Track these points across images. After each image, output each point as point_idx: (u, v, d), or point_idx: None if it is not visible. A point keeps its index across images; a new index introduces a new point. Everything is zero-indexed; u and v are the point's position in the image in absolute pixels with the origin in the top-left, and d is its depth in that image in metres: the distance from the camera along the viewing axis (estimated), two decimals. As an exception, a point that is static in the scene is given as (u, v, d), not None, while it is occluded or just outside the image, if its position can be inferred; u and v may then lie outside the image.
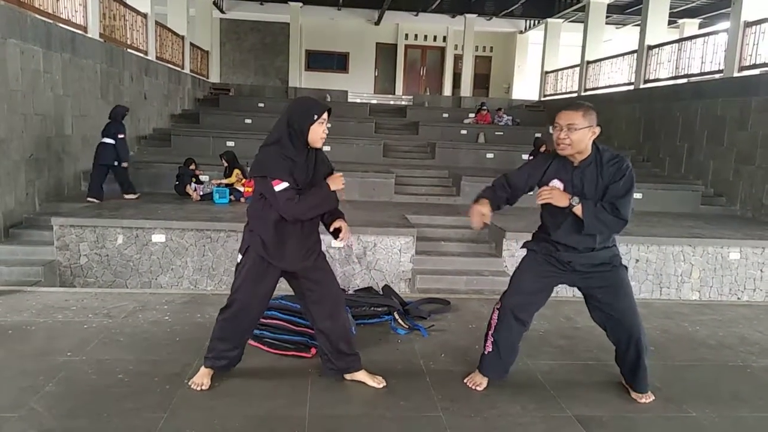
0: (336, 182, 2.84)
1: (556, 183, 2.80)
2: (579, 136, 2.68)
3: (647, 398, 3.01)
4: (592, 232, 2.75)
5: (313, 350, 3.35)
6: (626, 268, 2.95)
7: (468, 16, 20.17)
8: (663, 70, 12.66)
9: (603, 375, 3.32)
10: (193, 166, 9.04)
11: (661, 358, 3.63)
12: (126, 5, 11.28)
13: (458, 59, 21.80)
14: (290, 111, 2.80)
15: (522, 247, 3.13)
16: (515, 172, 3.00)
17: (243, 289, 2.85)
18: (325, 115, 2.78)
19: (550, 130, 2.86)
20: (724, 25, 13.08)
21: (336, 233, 2.89)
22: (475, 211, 2.88)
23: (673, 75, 12.30)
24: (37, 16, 7.67)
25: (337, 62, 22.85)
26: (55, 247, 6.70)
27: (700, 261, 7.37)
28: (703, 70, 11.40)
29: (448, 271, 7.08)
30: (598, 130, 2.72)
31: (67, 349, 3.33)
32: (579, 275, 2.91)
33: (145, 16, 12.12)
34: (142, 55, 11.85)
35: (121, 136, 8.01)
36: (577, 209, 2.71)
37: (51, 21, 8.07)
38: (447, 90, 22.04)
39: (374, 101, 19.48)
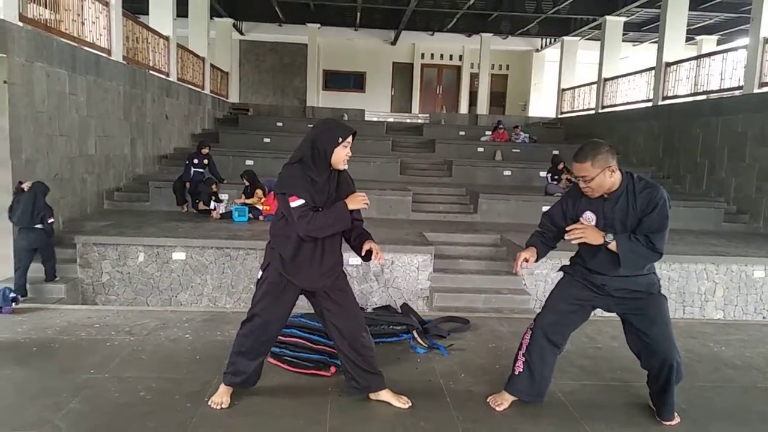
0: (355, 201, 2.85)
1: (589, 215, 2.81)
2: (597, 183, 2.70)
3: (672, 422, 2.95)
4: (628, 266, 2.73)
5: (333, 369, 3.34)
6: (665, 297, 2.89)
7: (484, 35, 20.29)
8: (682, 86, 12.59)
9: (626, 396, 3.26)
10: (206, 150, 9.18)
11: (687, 379, 3.53)
12: (149, 28, 11.56)
13: (474, 77, 21.91)
14: (316, 132, 2.84)
15: (559, 270, 3.13)
16: (554, 210, 2.99)
17: (262, 304, 2.87)
18: (349, 139, 2.81)
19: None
20: (743, 41, 12.99)
21: (368, 256, 2.87)
22: (521, 258, 2.89)
23: (692, 92, 12.22)
24: (62, 39, 7.90)
25: (354, 82, 23.10)
26: (78, 264, 6.81)
27: (724, 279, 7.25)
28: (722, 87, 11.32)
29: (466, 289, 7.05)
30: (615, 166, 2.69)
31: (90, 366, 3.37)
32: (614, 300, 2.88)
33: (167, 38, 12.40)
34: (163, 76, 12.10)
35: (51, 220, 6.55)
36: (612, 245, 2.70)
37: (76, 44, 8.30)
38: (463, 108, 22.12)
39: (391, 120, 19.60)
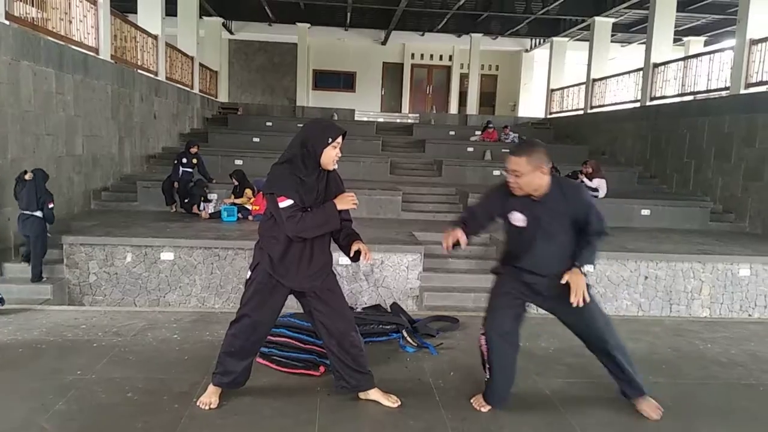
0: (344, 201, 2.85)
1: (518, 216, 2.87)
2: (526, 180, 2.76)
3: (649, 407, 2.99)
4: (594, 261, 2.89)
5: (322, 368, 3.34)
6: (589, 284, 2.89)
7: (474, 35, 20.36)
8: (669, 87, 12.70)
9: (614, 393, 3.29)
10: (194, 149, 9.16)
11: (672, 376, 3.60)
12: (137, 27, 11.49)
13: (464, 78, 21.98)
14: (305, 131, 2.84)
15: (490, 272, 3.22)
16: (478, 209, 3.04)
17: (251, 304, 2.86)
18: (339, 139, 2.80)
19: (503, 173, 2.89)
20: (730, 42, 13.13)
21: (356, 256, 2.88)
22: (451, 238, 2.89)
23: (680, 92, 12.34)
24: (49, 38, 7.83)
25: (344, 81, 23.09)
26: (65, 265, 6.75)
27: (710, 278, 7.32)
28: (709, 88, 11.44)
29: (455, 288, 7.08)
30: (547, 169, 2.77)
31: (77, 367, 3.35)
32: (543, 298, 2.99)
33: (155, 37, 12.32)
34: (152, 75, 12.02)
35: (51, 205, 6.59)
36: (589, 267, 2.84)
37: (63, 43, 8.22)
38: (453, 108, 22.17)
39: (381, 119, 19.61)
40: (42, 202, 6.42)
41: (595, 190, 9.96)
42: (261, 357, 3.41)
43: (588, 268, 2.82)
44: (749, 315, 7.29)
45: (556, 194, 2.81)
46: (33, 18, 7.61)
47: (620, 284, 7.28)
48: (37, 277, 6.53)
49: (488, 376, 2.99)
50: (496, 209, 2.97)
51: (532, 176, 2.74)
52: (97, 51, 9.36)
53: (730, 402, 3.27)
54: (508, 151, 11.77)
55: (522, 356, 3.79)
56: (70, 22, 8.49)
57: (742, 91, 10.06)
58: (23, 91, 7.08)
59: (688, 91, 12.07)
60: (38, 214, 6.41)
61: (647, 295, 7.30)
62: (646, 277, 7.29)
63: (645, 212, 9.82)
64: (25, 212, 6.38)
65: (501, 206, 2.93)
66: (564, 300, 2.81)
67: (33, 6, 7.59)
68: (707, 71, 11.51)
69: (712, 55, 11.67)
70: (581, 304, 2.77)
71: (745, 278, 7.34)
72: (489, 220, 3.00)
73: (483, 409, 3.02)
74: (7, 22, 6.78)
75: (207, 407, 2.90)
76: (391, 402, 3.02)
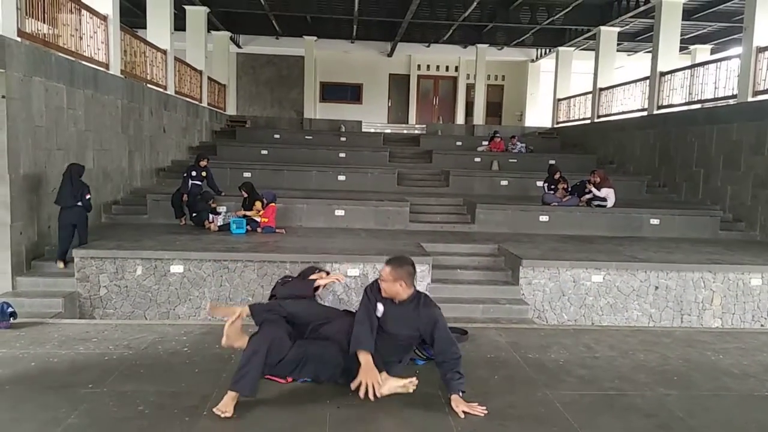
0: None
1: (380, 307, 3.33)
2: (387, 286, 3.28)
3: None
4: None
5: (289, 378, 3.38)
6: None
7: (479, 46, 20.45)
8: (676, 95, 12.69)
9: (625, 405, 3.27)
10: (204, 162, 9.24)
11: (684, 387, 3.57)
12: (146, 42, 11.64)
13: (470, 88, 22.03)
14: None
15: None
16: (368, 311, 3.34)
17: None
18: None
19: None
20: (736, 50, 13.10)
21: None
22: (372, 384, 3.12)
23: (687, 100, 12.31)
24: (61, 54, 7.94)
25: (351, 93, 23.23)
26: (76, 278, 6.80)
27: (721, 287, 7.27)
28: (716, 96, 11.41)
29: (464, 300, 7.06)
30: (406, 284, 3.27)
31: (89, 381, 3.37)
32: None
33: (164, 52, 12.48)
34: (161, 89, 12.15)
35: (88, 196, 7.27)
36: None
37: (74, 59, 8.34)
38: (460, 118, 22.23)
39: (388, 131, 19.69)
40: (80, 194, 7.11)
41: (604, 199, 9.93)
42: None
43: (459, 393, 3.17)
44: (761, 325, 7.23)
45: (413, 306, 3.31)
46: (44, 34, 7.73)
47: (630, 295, 7.23)
48: (63, 255, 7.08)
49: None
50: (372, 303, 3.36)
51: (393, 285, 3.27)
52: (107, 66, 9.48)
53: (743, 414, 3.24)
54: (515, 161, 11.74)
55: (532, 368, 3.80)
56: (81, 38, 8.62)
57: (750, 99, 10.03)
58: (35, 107, 7.17)
59: (696, 99, 12.05)
60: (78, 204, 7.09)
61: (658, 305, 7.25)
62: (657, 288, 7.24)
63: (654, 221, 9.77)
64: (67, 204, 7.07)
65: (373, 300, 3.37)
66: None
67: (44, 23, 7.71)
68: (714, 79, 11.49)
69: (718, 63, 11.65)
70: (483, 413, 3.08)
71: (757, 288, 7.28)
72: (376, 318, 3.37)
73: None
74: (19, 39, 6.89)
75: (222, 415, 2.92)
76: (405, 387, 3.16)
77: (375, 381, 3.09)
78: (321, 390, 3.32)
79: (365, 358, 3.15)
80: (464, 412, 3.06)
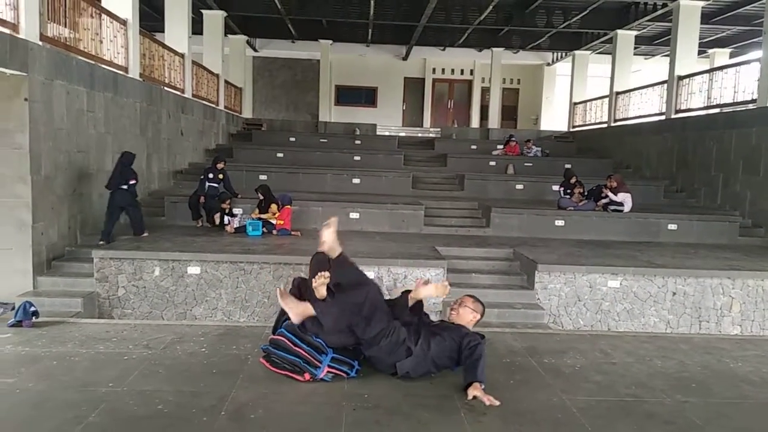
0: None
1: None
2: (463, 311, 3.78)
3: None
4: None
5: (307, 376, 3.40)
6: None
7: (495, 49, 20.42)
8: (695, 99, 12.56)
9: (642, 412, 3.24)
10: (221, 165, 9.35)
11: (702, 395, 3.54)
12: (165, 46, 11.78)
13: (486, 92, 22.01)
14: None
15: None
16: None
17: None
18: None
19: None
20: (756, 54, 12.95)
21: None
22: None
23: (706, 105, 12.19)
24: (81, 58, 8.08)
25: (366, 97, 23.30)
26: (95, 279, 6.90)
27: (740, 294, 7.18)
28: (735, 100, 11.28)
29: (479, 304, 7.02)
30: (476, 321, 3.78)
31: (109, 380, 3.42)
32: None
33: (182, 56, 12.62)
34: (179, 93, 12.29)
35: (133, 181, 8.02)
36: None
37: (94, 62, 8.48)
38: (475, 122, 22.21)
39: (402, 134, 19.73)
40: (126, 179, 7.88)
41: (620, 204, 9.86)
42: (263, 357, 3.57)
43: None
44: (781, 332, 7.12)
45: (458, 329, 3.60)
46: (66, 38, 7.87)
47: (647, 300, 7.17)
48: (139, 231, 8.10)
49: None
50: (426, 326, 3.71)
51: (469, 314, 3.76)
52: (126, 70, 9.62)
53: (762, 422, 3.20)
54: (530, 165, 11.70)
55: (548, 373, 3.78)
56: (101, 42, 8.76)
57: (770, 104, 9.91)
58: (56, 110, 7.30)
59: (714, 103, 11.92)
60: (124, 187, 7.86)
61: (675, 311, 7.18)
62: (674, 293, 7.17)
63: (672, 227, 9.68)
64: (114, 187, 7.87)
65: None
66: None
67: (66, 27, 7.85)
68: (733, 83, 11.37)
69: (738, 67, 11.52)
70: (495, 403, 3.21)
71: (777, 294, 7.18)
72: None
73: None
74: (41, 43, 7.02)
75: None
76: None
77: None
78: (337, 391, 3.34)
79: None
80: (474, 396, 3.21)
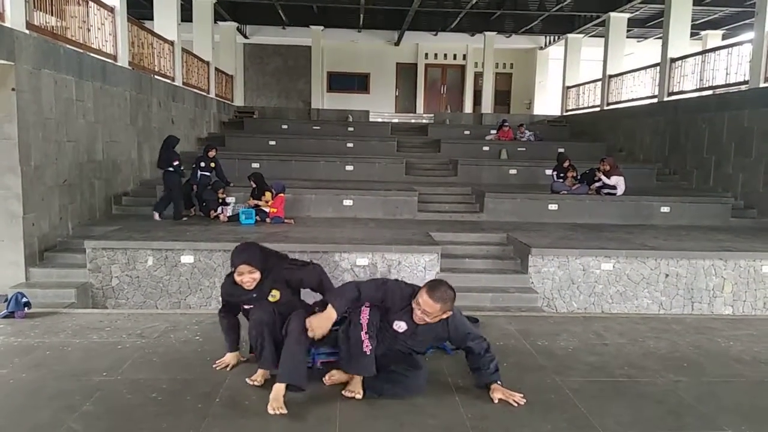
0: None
1: (402, 324, 3.15)
2: (430, 319, 3.08)
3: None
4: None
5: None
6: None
7: (487, 33, 20.30)
8: (687, 82, 12.55)
9: (635, 392, 3.27)
10: (212, 152, 9.40)
11: (695, 374, 3.57)
12: (154, 34, 11.65)
13: (478, 76, 21.91)
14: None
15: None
16: (369, 297, 3.15)
17: None
18: (240, 267, 3.19)
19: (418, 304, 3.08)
20: (748, 35, 12.93)
21: None
22: (323, 324, 3.09)
23: (698, 87, 12.19)
24: (69, 46, 7.97)
25: (359, 83, 23.16)
26: (88, 269, 6.87)
27: (732, 275, 7.23)
28: (728, 82, 11.28)
29: (473, 288, 7.06)
30: (450, 313, 3.12)
31: (103, 369, 3.41)
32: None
33: (172, 43, 12.48)
34: (169, 81, 12.18)
35: (176, 162, 8.64)
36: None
37: (83, 51, 8.37)
38: (468, 107, 22.12)
39: (396, 120, 19.63)
40: (169, 161, 8.53)
41: (613, 187, 9.88)
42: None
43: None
44: (773, 312, 7.19)
45: (440, 326, 3.16)
46: (53, 27, 7.76)
47: (640, 282, 7.21)
48: (178, 216, 8.62)
49: (370, 349, 3.06)
50: (381, 315, 3.15)
51: (438, 317, 3.09)
52: (115, 58, 9.51)
53: (754, 400, 3.23)
54: (524, 149, 11.61)
55: (542, 355, 3.81)
56: (89, 30, 8.64)
57: (762, 85, 9.91)
58: (45, 99, 7.22)
59: (707, 85, 11.92)
60: (170, 169, 8.53)
61: (668, 293, 7.23)
62: (667, 275, 7.21)
63: (665, 209, 9.71)
64: (161, 168, 8.65)
65: (393, 309, 3.15)
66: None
67: (53, 15, 7.73)
68: (726, 65, 11.35)
69: (730, 48, 11.50)
70: (520, 402, 3.08)
71: (768, 275, 7.24)
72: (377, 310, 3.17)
73: (359, 396, 3.06)
74: (27, 32, 6.92)
75: (275, 412, 2.92)
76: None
77: (322, 331, 3.05)
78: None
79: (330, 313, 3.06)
80: (500, 399, 3.08)
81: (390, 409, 3.00)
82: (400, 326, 3.15)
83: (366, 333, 3.03)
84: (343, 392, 3.10)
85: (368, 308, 3.09)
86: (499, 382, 3.15)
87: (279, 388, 2.97)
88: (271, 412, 2.90)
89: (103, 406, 2.96)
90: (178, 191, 8.71)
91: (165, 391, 3.14)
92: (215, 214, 8.81)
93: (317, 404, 3.02)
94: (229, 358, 3.46)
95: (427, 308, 3.03)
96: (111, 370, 3.40)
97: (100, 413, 2.89)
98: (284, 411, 2.90)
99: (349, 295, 3.12)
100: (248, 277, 3.19)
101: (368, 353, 3.04)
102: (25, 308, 4.38)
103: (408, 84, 23.35)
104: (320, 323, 3.04)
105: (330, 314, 3.05)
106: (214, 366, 3.43)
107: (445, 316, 3.11)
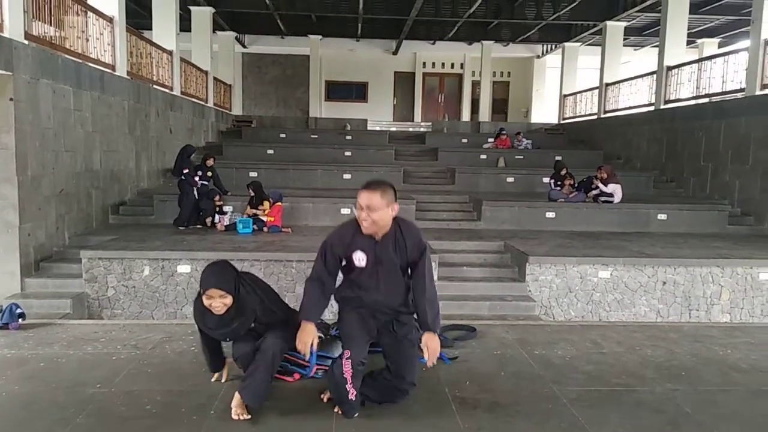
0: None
1: (360, 255, 2.97)
2: (380, 215, 2.87)
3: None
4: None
5: (296, 375, 3.43)
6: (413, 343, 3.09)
7: (485, 42, 20.39)
8: (684, 90, 12.60)
9: (632, 401, 3.26)
10: (210, 161, 9.43)
11: (692, 382, 3.56)
12: (152, 43, 11.68)
13: (476, 85, 21.99)
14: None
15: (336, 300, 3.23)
16: (327, 260, 3.04)
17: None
18: (210, 291, 2.96)
19: (353, 211, 2.92)
20: (744, 43, 13.00)
21: None
22: (308, 345, 2.96)
23: (695, 95, 12.23)
24: (67, 56, 7.98)
25: (357, 92, 23.24)
26: (84, 279, 6.84)
27: (730, 282, 7.22)
28: (724, 90, 11.32)
29: (471, 297, 7.05)
30: (397, 207, 2.93)
31: (97, 380, 3.39)
32: (378, 322, 3.08)
33: (170, 53, 12.52)
34: (167, 90, 12.20)
35: (186, 170, 8.87)
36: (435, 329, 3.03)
37: (81, 61, 8.38)
38: (465, 116, 22.19)
39: (393, 129, 19.69)
40: (180, 168, 8.84)
41: (611, 195, 9.88)
42: None
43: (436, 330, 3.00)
44: (771, 319, 7.17)
45: (396, 236, 2.98)
46: (51, 37, 7.77)
47: (638, 290, 7.20)
48: (178, 222, 8.72)
49: (352, 399, 2.94)
50: (339, 254, 3.03)
51: (385, 212, 2.88)
52: (113, 68, 9.53)
53: (752, 409, 3.22)
54: (521, 157, 11.66)
55: (539, 364, 3.79)
56: (87, 39, 8.66)
57: (758, 92, 9.94)
58: (42, 109, 7.22)
59: (703, 93, 11.96)
60: (182, 177, 8.78)
61: (665, 300, 7.22)
62: (664, 283, 7.20)
63: (662, 217, 9.72)
64: (175, 176, 9.10)
65: (342, 249, 3.02)
66: (394, 337, 3.06)
67: (51, 25, 7.75)
68: (722, 73, 11.40)
69: (726, 56, 11.55)
70: (431, 359, 2.96)
71: (766, 282, 7.23)
72: (337, 269, 3.07)
73: (243, 417, 2.91)
74: (26, 42, 6.93)
75: (239, 417, 2.92)
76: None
77: (308, 342, 2.95)
78: (326, 387, 3.32)
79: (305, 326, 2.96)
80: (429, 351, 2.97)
81: (386, 420, 2.98)
82: (360, 258, 2.97)
83: (351, 384, 2.92)
84: (335, 410, 3.05)
85: (349, 360, 2.91)
86: (438, 332, 3.02)
87: (240, 397, 2.97)
88: (235, 418, 2.90)
89: (97, 419, 2.93)
90: (184, 199, 8.83)
91: (159, 403, 3.11)
92: (212, 222, 8.79)
93: (313, 417, 3.00)
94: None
95: (368, 202, 2.84)
96: (105, 382, 3.37)
97: (93, 426, 2.87)
98: (248, 416, 2.91)
99: (311, 292, 3.01)
100: (218, 302, 2.96)
101: (353, 399, 2.95)
102: (20, 319, 4.36)
103: (406, 93, 23.43)
104: (302, 338, 2.95)
105: (305, 327, 2.96)
106: (212, 380, 3.41)
107: (392, 212, 2.92)
